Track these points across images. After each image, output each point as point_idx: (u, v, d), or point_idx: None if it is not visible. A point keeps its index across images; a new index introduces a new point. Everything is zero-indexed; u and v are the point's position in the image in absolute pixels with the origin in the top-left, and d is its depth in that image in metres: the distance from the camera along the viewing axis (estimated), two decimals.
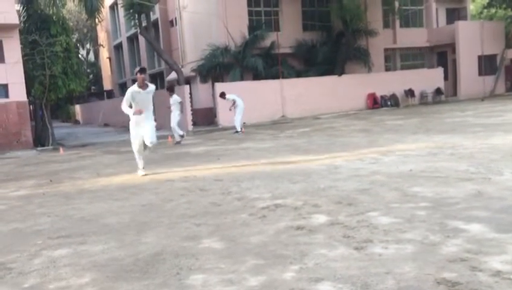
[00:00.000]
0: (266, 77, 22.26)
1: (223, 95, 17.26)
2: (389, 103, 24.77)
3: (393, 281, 3.03)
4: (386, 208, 4.81)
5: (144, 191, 6.99)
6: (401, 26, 28.79)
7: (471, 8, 33.76)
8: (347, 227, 4.27)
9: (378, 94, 24.87)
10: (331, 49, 24.46)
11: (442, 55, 29.34)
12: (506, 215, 4.23)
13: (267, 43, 23.37)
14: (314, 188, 6.12)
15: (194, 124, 20.74)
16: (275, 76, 22.75)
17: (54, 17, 17.77)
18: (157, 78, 31.70)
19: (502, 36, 28.30)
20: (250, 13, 24.24)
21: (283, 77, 22.90)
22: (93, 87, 48.16)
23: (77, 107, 43.08)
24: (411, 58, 29.84)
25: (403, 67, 28.86)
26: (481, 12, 31.91)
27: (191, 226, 4.79)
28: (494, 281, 2.90)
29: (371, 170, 7.07)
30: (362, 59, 25.11)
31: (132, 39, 34.46)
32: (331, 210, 4.92)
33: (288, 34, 24.44)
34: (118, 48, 38.38)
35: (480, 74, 27.42)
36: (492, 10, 29.89)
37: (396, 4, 26.87)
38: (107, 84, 44.08)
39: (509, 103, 20.29)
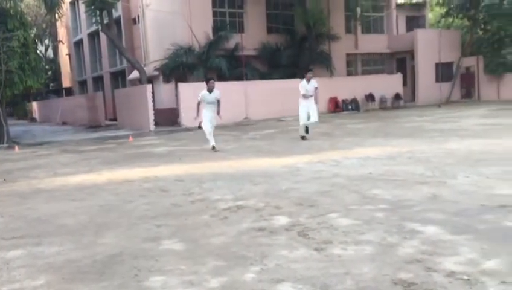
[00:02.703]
0: (230, 78, 22.23)
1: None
2: (350, 107, 25.23)
3: (352, 281, 3.08)
4: (345, 210, 4.89)
5: (102, 192, 6.84)
6: (362, 32, 29.41)
7: (430, 16, 34.85)
8: (308, 228, 4.32)
9: (340, 98, 25.29)
10: (295, 52, 24.70)
11: (402, 62, 30.14)
12: (460, 217, 4.38)
13: (231, 44, 23.35)
14: (276, 190, 6.16)
15: (156, 124, 20.48)
16: (239, 77, 22.76)
17: (12, 11, 17.15)
18: (118, 77, 31.13)
19: (458, 45, 29.35)
20: (214, 14, 24.17)
21: (247, 79, 22.95)
22: (51, 84, 46.82)
23: (34, 105, 41.75)
24: (372, 64, 30.52)
25: (364, 72, 29.47)
26: (439, 21, 32.96)
27: (151, 227, 4.73)
28: (447, 281, 3.00)
29: (331, 173, 7.17)
30: (325, 63, 25.47)
31: (93, 36, 33.69)
32: (292, 212, 4.96)
33: (252, 36, 24.52)
34: (78, 44, 37.44)
35: (437, 80, 28.33)
36: (450, 19, 30.92)
37: (359, 10, 27.44)
38: (66, 82, 42.92)
39: (464, 109, 21.07)
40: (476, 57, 28.26)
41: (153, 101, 20.89)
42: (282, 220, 4.65)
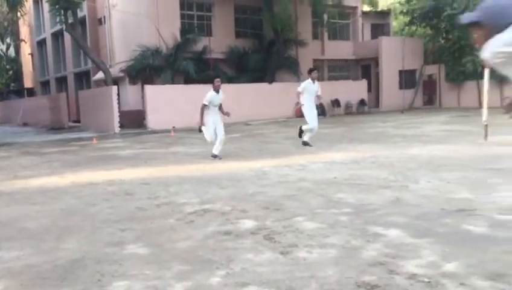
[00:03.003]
0: (198, 81, 22.13)
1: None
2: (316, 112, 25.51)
3: (317, 284, 3.11)
4: (311, 214, 4.94)
5: (65, 195, 6.68)
6: (329, 38, 29.87)
7: (394, 24, 35.70)
8: (274, 232, 4.34)
9: None
10: (263, 57, 24.85)
11: (367, 68, 30.75)
12: (422, 221, 4.49)
13: (199, 47, 23.27)
14: (242, 194, 6.16)
15: (122, 126, 20.16)
16: (207, 81, 22.65)
17: None
18: (82, 78, 30.50)
19: (421, 53, 30.18)
20: (182, 16, 24.04)
21: None
22: (12, 84, 45.40)
23: None
24: (338, 70, 31.01)
25: (330, 78, 29.90)
26: (403, 29, 33.80)
27: (115, 231, 4.64)
28: (409, 283, 3.07)
29: (298, 177, 7.23)
30: (292, 68, 25.72)
31: (57, 36, 32.90)
32: (258, 215, 4.97)
33: (220, 39, 24.51)
34: (41, 44, 36.48)
35: (400, 87, 29.02)
36: (413, 28, 31.76)
37: (325, 17, 27.86)
38: (28, 82, 41.73)
39: (426, 115, 21.65)
40: (438, 65, 29.12)
41: (119, 102, 20.57)
42: (249, 224, 4.66)
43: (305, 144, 11.12)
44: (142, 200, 6.06)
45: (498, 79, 24.67)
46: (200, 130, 10.00)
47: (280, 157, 9.64)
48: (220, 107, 10.18)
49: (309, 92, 11.16)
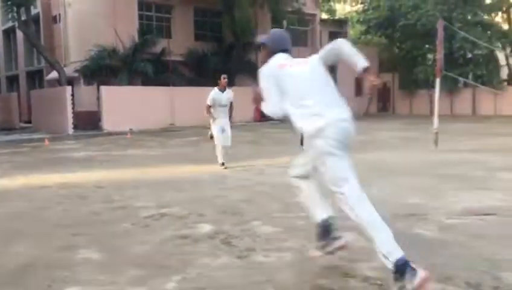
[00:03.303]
0: (156, 83, 21.87)
1: None
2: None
3: (273, 288, 3.13)
4: (268, 218, 4.97)
5: (15, 198, 6.43)
6: None
7: (351, 33, 36.54)
8: (231, 236, 4.33)
9: None
10: (223, 60, 24.83)
11: None
12: None
13: (158, 48, 23.01)
14: (200, 197, 6.12)
15: (76, 127, 19.62)
16: (165, 83, 22.45)
17: None
18: (35, 77, 29.47)
19: (375, 61, 31.02)
20: (141, 17, 23.72)
21: (173, 85, 22.68)
22: None
23: None
24: None
25: None
26: (359, 38, 34.67)
27: (67, 235, 4.50)
28: (363, 286, 3.14)
29: (256, 181, 7.26)
30: (251, 72, 25.82)
31: (8, 33, 31.65)
32: (216, 219, 4.96)
33: (180, 41, 24.33)
34: None
35: (356, 94, 29.74)
36: (369, 37, 32.64)
37: (285, 23, 28.16)
38: None
39: (380, 122, 22.26)
40: (392, 73, 30.03)
41: (73, 103, 20.02)
42: (206, 228, 4.63)
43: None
44: (96, 204, 5.91)
45: (448, 89, 25.79)
46: (211, 137, 8.99)
47: (239, 161, 9.65)
48: (231, 109, 8.98)
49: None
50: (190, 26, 25.70)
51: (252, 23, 24.94)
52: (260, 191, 6.43)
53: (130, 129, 18.97)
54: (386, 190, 6.30)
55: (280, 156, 10.24)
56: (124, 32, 22.08)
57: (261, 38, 3.66)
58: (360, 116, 27.93)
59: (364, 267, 3.45)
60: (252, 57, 26.31)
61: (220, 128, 8.68)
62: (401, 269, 2.84)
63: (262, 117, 25.24)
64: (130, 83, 21.81)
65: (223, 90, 8.79)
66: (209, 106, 8.63)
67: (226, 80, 8.84)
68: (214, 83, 24.83)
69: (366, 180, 6.98)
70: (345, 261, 3.60)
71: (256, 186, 6.79)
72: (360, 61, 3.06)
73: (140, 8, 23.55)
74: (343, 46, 3.14)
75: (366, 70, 3.03)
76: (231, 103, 8.90)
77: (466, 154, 9.78)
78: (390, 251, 2.90)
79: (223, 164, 8.69)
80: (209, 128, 9.07)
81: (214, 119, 8.61)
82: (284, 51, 3.46)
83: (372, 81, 3.02)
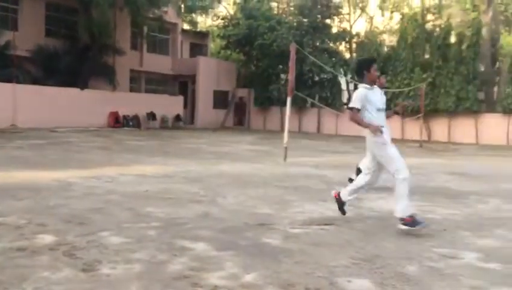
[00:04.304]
0: None
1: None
2: (130, 124, 24.97)
3: None
4: (118, 228, 4.77)
5: None
6: (148, 50, 29.69)
7: (212, 46, 37.31)
8: (75, 247, 4.06)
9: (121, 113, 24.83)
10: (76, 60, 23.36)
11: (184, 85, 31.39)
12: (227, 234, 4.72)
13: (1, 41, 20.78)
14: (42, 206, 5.63)
15: None
16: (7, 79, 20.33)
17: None
18: None
19: (234, 76, 32.11)
20: None
21: (17, 82, 20.65)
22: None
23: None
24: (155, 83, 30.95)
25: (147, 91, 29.66)
26: (219, 52, 35.55)
27: None
28: None
29: (106, 189, 6.93)
30: (107, 76, 24.76)
31: None
32: (59, 230, 4.60)
33: (27, 36, 22.31)
34: None
35: (214, 106, 30.36)
36: (228, 52, 33.65)
37: (145, 29, 27.65)
38: None
39: (236, 135, 23.01)
40: (248, 89, 31.32)
41: None
42: (47, 239, 4.27)
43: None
44: None
45: (298, 107, 27.73)
46: (359, 171, 6.82)
47: (88, 168, 9.12)
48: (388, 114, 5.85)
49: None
50: (40, 20, 23.73)
51: (110, 25, 23.97)
52: (110, 200, 6.15)
53: None
54: (240, 200, 6.51)
55: (132, 164, 9.95)
56: None
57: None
58: (218, 127, 28.55)
59: (213, 277, 3.50)
60: (109, 60, 25.24)
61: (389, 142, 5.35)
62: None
63: (117, 123, 24.32)
64: None
65: (373, 87, 5.47)
66: (357, 110, 5.33)
67: (377, 73, 5.62)
68: (64, 83, 23.36)
69: (221, 190, 7.16)
70: (195, 271, 3.61)
71: (107, 195, 6.48)
72: None
73: None
74: None
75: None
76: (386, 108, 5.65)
77: (310, 168, 10.59)
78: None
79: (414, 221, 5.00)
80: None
81: (373, 126, 5.19)
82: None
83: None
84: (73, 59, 23.27)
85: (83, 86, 23.47)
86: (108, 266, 3.64)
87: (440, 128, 25.17)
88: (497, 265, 4.02)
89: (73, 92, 22.72)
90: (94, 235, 4.48)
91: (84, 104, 22.88)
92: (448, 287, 3.47)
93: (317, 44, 29.18)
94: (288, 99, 12.06)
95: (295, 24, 29.03)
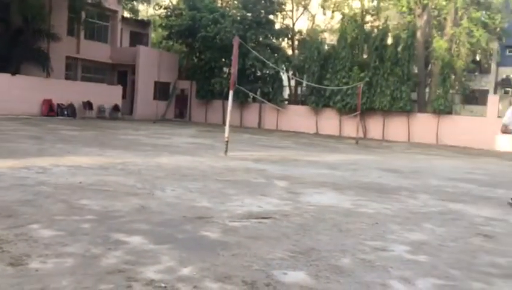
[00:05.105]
0: None
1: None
2: (65, 112, 24.00)
3: None
4: (49, 221, 4.58)
5: None
6: (85, 37, 28.57)
7: (153, 36, 36.51)
8: (3, 241, 3.85)
9: (55, 102, 23.79)
10: (6, 44, 22.09)
11: (123, 74, 30.52)
12: (164, 228, 4.65)
13: None
14: None
15: None
16: None
17: None
18: None
19: (175, 67, 31.63)
20: None
21: None
22: None
23: None
24: (93, 72, 29.85)
25: (83, 79, 28.55)
26: (161, 42, 34.84)
27: None
28: None
29: (37, 180, 6.62)
30: (41, 62, 23.61)
31: None
32: None
33: None
34: None
35: (155, 98, 29.76)
36: (171, 43, 33.06)
37: (83, 15, 26.60)
38: None
39: (177, 127, 22.71)
40: (190, 81, 30.97)
41: None
42: None
43: None
44: None
45: (240, 102, 27.79)
46: None
47: (18, 158, 8.67)
48: None
49: None
50: None
51: (45, 9, 22.85)
52: (41, 192, 5.88)
53: None
54: (178, 193, 6.44)
55: (66, 155, 9.57)
56: None
57: None
58: (158, 119, 28.03)
59: (149, 270, 3.44)
60: (43, 45, 24.07)
61: None
62: None
63: (50, 111, 23.27)
64: None
65: None
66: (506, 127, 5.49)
67: None
68: None
69: (160, 183, 7.04)
70: (130, 264, 3.54)
71: (38, 186, 6.19)
72: None
73: None
74: None
75: None
76: None
77: (250, 162, 10.66)
78: None
79: None
80: None
81: None
82: None
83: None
84: (4, 43, 22.00)
85: (14, 71, 22.24)
86: (38, 260, 3.48)
87: (375, 126, 26.16)
88: (425, 257, 4.24)
89: (3, 77, 21.49)
90: (23, 227, 4.27)
91: (15, 90, 21.70)
92: (378, 279, 3.62)
93: (260, 39, 29.35)
94: (231, 93, 12.06)
95: (239, 18, 29.01)
